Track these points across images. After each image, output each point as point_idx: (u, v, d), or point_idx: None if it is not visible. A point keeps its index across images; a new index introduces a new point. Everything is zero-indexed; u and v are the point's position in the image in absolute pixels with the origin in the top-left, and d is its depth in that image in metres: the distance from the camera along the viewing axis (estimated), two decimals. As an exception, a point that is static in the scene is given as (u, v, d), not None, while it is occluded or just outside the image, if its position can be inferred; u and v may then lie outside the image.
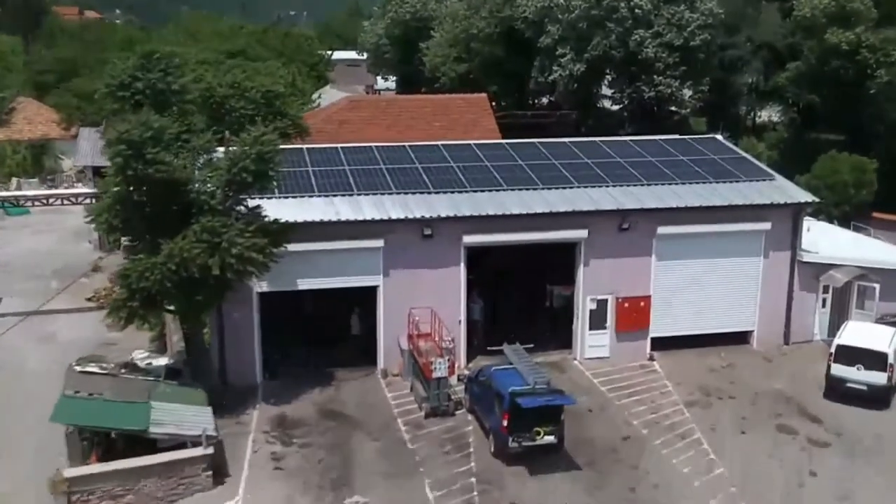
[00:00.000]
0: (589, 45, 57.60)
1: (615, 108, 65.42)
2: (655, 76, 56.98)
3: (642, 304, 29.39)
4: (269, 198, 27.43)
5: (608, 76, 63.30)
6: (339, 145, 32.51)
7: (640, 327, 29.59)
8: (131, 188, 23.36)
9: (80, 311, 35.34)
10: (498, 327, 30.48)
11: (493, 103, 75.64)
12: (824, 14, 48.32)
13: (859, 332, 27.35)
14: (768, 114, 68.88)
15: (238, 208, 25.01)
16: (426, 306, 27.45)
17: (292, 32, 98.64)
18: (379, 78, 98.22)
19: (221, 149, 28.05)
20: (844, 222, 43.33)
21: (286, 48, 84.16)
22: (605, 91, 65.34)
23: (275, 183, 25.25)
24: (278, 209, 26.85)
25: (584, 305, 29.26)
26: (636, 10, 56.41)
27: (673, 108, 62.70)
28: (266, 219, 25.23)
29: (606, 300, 29.30)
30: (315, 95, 70.11)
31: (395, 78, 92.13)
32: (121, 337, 32.00)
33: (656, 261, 29.35)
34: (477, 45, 66.46)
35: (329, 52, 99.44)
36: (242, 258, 23.58)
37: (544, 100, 70.44)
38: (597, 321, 29.38)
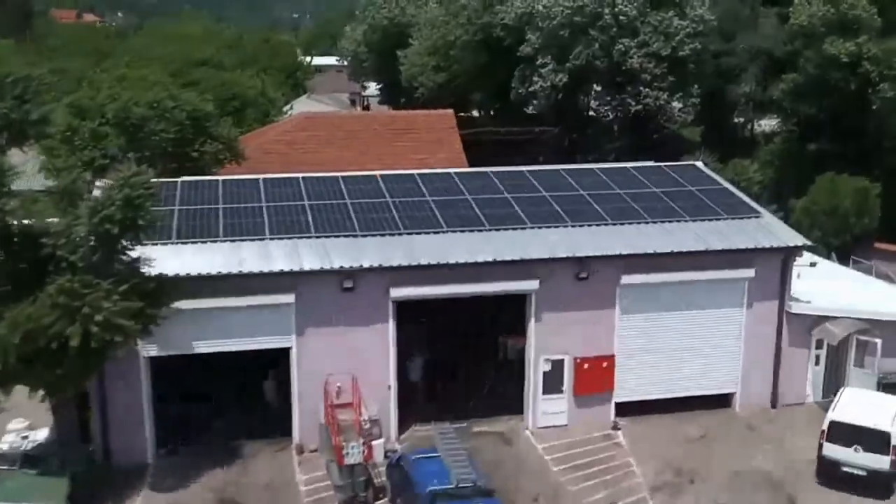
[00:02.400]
0: (571, 54, 53.67)
1: (606, 118, 61.40)
2: (642, 88, 53.00)
3: (605, 364, 25.24)
4: (164, 244, 23.50)
5: (594, 88, 59.33)
6: (260, 177, 28.34)
7: (602, 391, 25.44)
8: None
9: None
10: (440, 387, 26.63)
11: (480, 111, 72.45)
12: (823, 23, 44.07)
13: (857, 405, 23.14)
14: (768, 123, 64.69)
15: (119, 258, 20.86)
16: (347, 371, 23.42)
17: (271, 38, 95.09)
18: (371, 84, 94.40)
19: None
20: (844, 252, 39.25)
21: (260, 55, 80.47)
22: (592, 103, 61.39)
23: (143, 235, 20.91)
24: (172, 258, 22.88)
25: (536, 366, 25.13)
26: (620, 17, 52.35)
27: (664, 123, 58.65)
28: (147, 274, 21.16)
29: (562, 360, 25.17)
30: (286, 107, 66.49)
31: (379, 85, 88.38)
32: (21, 400, 27.68)
33: (621, 314, 25.22)
34: (455, 53, 62.62)
35: (308, 59, 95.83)
36: (110, 326, 19.52)
37: (530, 110, 66.58)
38: (551, 384, 25.24)
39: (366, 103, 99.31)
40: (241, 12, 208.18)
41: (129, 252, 21.10)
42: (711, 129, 60.18)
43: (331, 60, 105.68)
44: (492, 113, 70.52)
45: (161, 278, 21.37)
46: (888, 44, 43.62)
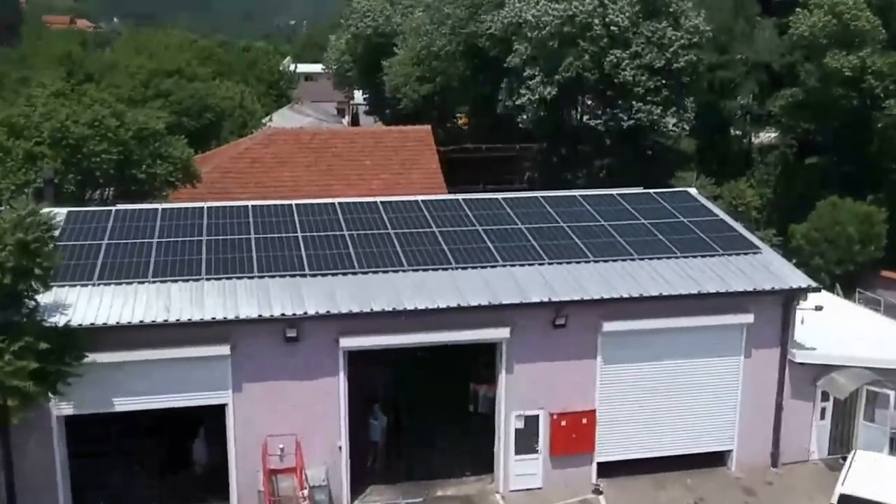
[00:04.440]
0: (560, 65, 50.92)
1: (597, 133, 58.74)
2: (634, 102, 50.22)
3: (584, 420, 22.44)
4: (83, 285, 20.74)
5: (585, 101, 56.64)
6: (204, 205, 25.54)
7: (582, 450, 22.64)
8: None
9: None
10: (404, 443, 24.01)
11: (470, 122, 69.66)
12: (824, 34, 41.35)
13: (872, 474, 20.24)
14: (766, 136, 61.95)
15: (17, 308, 18.07)
16: (292, 430, 20.70)
17: (252, 47, 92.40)
18: (358, 93, 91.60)
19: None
20: (848, 282, 36.55)
21: (238, 64, 77.72)
22: (582, 117, 58.69)
23: (39, 285, 18.10)
24: (91, 303, 20.10)
25: (507, 423, 22.32)
26: (612, 28, 49.57)
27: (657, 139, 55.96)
28: (54, 325, 18.37)
29: (537, 416, 22.37)
30: (265, 119, 63.78)
31: (365, 95, 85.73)
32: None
33: (603, 365, 22.44)
34: (438, 63, 59.93)
35: (292, 68, 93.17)
36: (3, 388, 16.72)
37: (519, 123, 63.93)
38: (525, 443, 22.44)
39: (354, 111, 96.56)
40: (239, 22, 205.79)
41: (34, 298, 18.39)
42: (707, 142, 57.49)
43: (320, 69, 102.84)
44: (476, 126, 67.88)
45: (70, 329, 18.61)
46: (894, 58, 40.92)
